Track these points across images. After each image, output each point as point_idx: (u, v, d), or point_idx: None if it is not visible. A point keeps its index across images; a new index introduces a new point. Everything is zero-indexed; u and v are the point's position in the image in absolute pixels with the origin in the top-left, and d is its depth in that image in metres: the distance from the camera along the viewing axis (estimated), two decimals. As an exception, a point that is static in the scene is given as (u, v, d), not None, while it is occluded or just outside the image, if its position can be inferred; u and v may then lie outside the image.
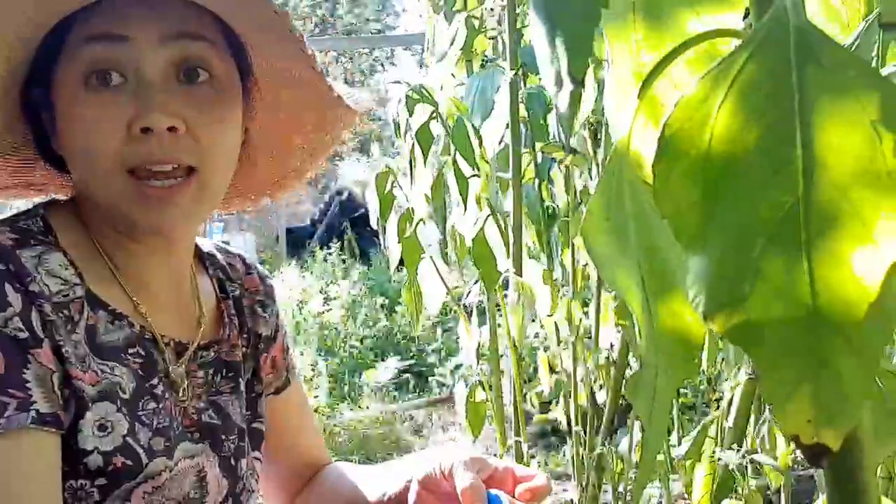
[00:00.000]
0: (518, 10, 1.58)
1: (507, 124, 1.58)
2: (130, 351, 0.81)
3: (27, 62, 0.78)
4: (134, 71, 0.75)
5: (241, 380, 0.93)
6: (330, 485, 1.05)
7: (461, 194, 1.62)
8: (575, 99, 0.24)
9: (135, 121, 0.73)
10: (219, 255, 0.99)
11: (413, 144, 1.60)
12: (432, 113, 1.57)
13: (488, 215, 1.63)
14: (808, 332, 0.23)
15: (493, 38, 1.85)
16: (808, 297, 0.23)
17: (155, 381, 0.82)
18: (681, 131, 0.24)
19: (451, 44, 1.66)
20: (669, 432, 2.11)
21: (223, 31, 0.80)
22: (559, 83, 0.24)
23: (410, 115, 1.58)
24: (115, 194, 0.76)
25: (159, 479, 0.79)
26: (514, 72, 1.54)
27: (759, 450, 1.70)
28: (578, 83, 0.24)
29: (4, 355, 0.70)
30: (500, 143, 1.65)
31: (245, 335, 0.96)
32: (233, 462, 0.89)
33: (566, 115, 0.24)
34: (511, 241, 1.65)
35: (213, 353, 0.91)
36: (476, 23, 1.76)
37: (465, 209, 1.67)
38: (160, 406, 0.81)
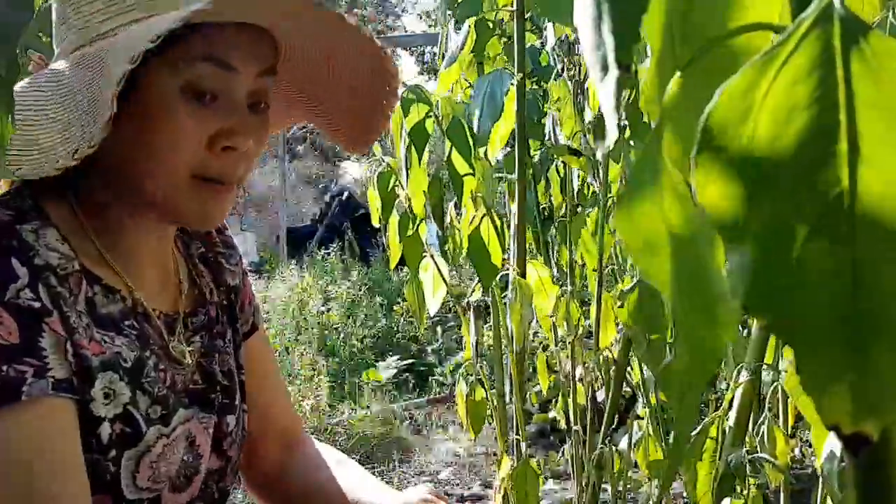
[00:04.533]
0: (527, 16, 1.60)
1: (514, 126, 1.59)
2: (126, 323, 0.84)
3: None
4: (226, 93, 0.81)
5: (220, 337, 0.97)
6: (313, 481, 1.04)
7: (456, 192, 1.63)
8: (621, 85, 0.25)
9: (220, 138, 0.81)
10: None
11: (409, 144, 1.61)
12: (427, 112, 1.58)
13: (484, 214, 1.64)
14: (850, 324, 0.24)
15: (506, 42, 1.86)
16: (850, 288, 0.23)
17: (148, 353, 0.85)
18: (723, 122, 0.24)
19: (461, 48, 1.67)
20: (668, 432, 2.12)
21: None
22: (605, 69, 0.25)
23: (406, 116, 1.59)
24: (176, 191, 0.81)
25: (157, 447, 0.82)
26: (521, 75, 1.55)
27: (758, 449, 1.70)
28: (625, 69, 0.25)
29: (19, 325, 0.72)
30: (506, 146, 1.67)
31: (221, 289, 1.00)
32: (217, 419, 0.92)
33: (612, 102, 0.25)
34: (515, 241, 1.65)
35: (202, 317, 0.95)
36: (490, 25, 1.78)
37: (460, 207, 1.69)
38: (156, 376, 0.85)
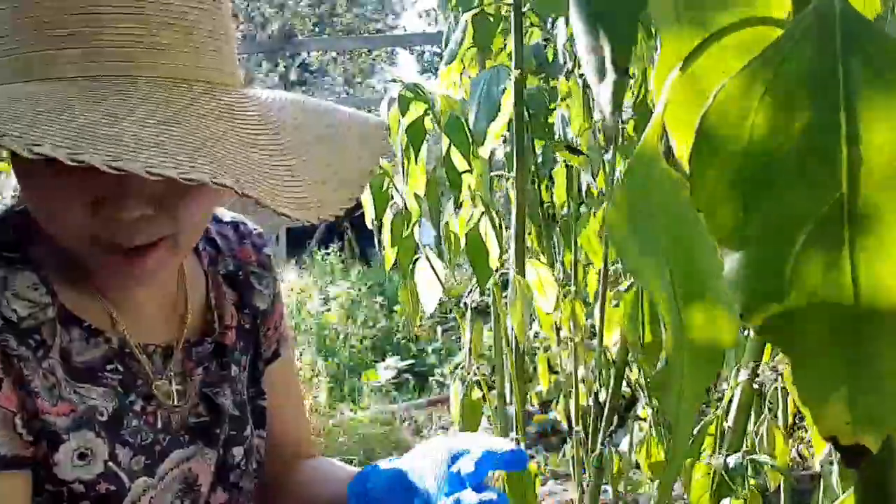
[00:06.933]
0: (524, 10, 1.58)
1: (512, 123, 1.58)
2: (108, 367, 0.78)
3: None
4: None
5: (232, 364, 0.88)
6: (309, 483, 0.96)
7: (453, 190, 1.62)
8: (619, 89, 0.24)
9: (104, 203, 0.66)
10: (210, 226, 0.91)
11: (406, 142, 1.60)
12: (426, 110, 1.58)
13: (483, 212, 1.63)
14: (849, 331, 0.23)
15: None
16: (850, 294, 0.23)
17: (133, 396, 0.79)
18: (720, 124, 0.23)
19: (459, 44, 1.65)
20: (670, 432, 2.11)
21: None
22: (602, 73, 0.24)
23: (404, 114, 1.59)
24: (81, 256, 0.71)
25: (142, 501, 0.77)
26: (518, 71, 1.54)
27: (757, 449, 1.69)
28: (622, 73, 0.24)
29: None
30: (503, 143, 1.66)
31: (246, 311, 0.91)
32: (222, 452, 0.85)
33: (609, 106, 0.24)
34: (513, 239, 1.64)
35: (208, 345, 0.87)
36: (491, 19, 1.74)
37: (457, 206, 1.68)
38: (142, 422, 0.79)
